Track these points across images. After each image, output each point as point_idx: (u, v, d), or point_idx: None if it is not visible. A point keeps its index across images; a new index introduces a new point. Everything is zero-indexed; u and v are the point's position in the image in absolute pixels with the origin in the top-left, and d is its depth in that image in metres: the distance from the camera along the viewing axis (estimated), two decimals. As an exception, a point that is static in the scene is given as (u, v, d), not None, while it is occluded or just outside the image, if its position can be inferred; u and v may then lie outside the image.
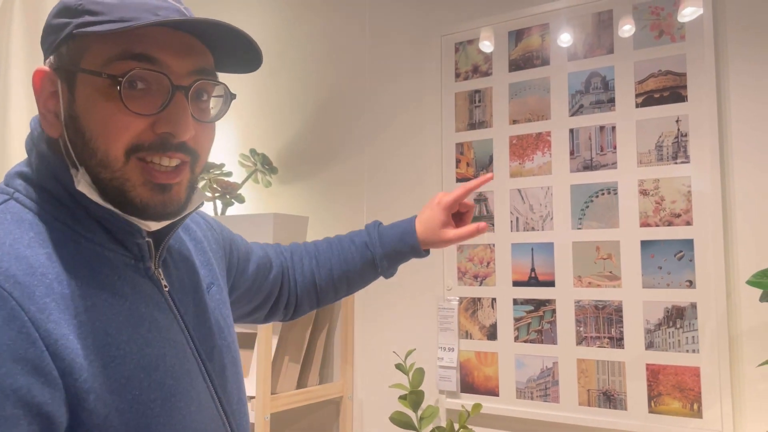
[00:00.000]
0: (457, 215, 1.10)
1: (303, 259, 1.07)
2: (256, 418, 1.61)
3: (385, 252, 1.05)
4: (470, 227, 1.04)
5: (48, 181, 0.65)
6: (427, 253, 1.07)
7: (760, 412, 1.37)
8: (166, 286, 0.72)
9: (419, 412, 1.62)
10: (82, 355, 0.58)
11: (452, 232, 1.04)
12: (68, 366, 0.56)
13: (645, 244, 1.50)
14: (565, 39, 1.64)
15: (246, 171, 2.02)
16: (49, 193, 0.65)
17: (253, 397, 1.67)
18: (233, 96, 0.71)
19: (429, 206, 1.07)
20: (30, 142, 0.69)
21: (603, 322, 1.53)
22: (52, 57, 0.66)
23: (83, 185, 0.63)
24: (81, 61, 0.63)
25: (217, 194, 1.95)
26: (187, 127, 0.64)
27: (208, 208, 2.08)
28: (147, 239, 0.69)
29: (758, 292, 1.34)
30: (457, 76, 1.78)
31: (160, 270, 0.72)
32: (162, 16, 0.63)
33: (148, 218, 0.66)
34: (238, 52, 0.69)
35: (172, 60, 0.64)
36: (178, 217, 0.69)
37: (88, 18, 0.62)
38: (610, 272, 1.53)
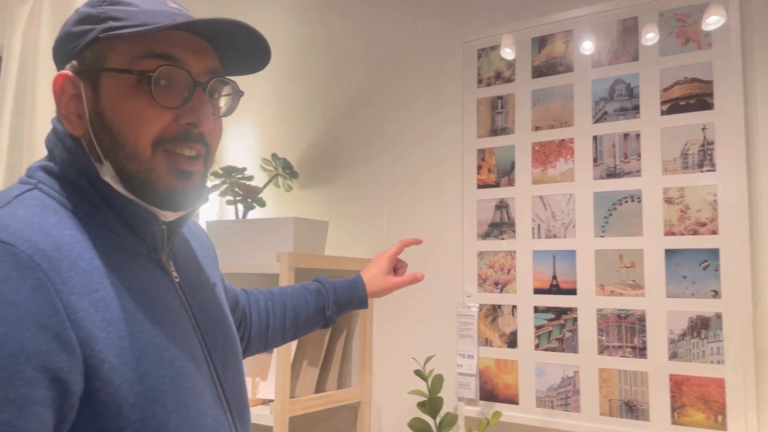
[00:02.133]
0: (395, 271, 1.25)
1: (259, 300, 1.13)
2: (275, 421, 1.61)
3: (336, 298, 1.15)
4: (410, 275, 1.21)
5: (72, 174, 0.70)
6: (368, 306, 1.20)
7: (787, 426, 1.35)
8: (176, 277, 0.77)
9: (438, 419, 1.61)
10: (99, 327, 0.62)
11: (394, 278, 1.20)
12: (86, 336, 0.60)
13: (669, 253, 1.48)
14: (589, 46, 1.63)
15: (267, 175, 2.03)
16: (72, 185, 0.70)
17: (272, 401, 1.67)
18: (241, 93, 0.79)
19: (373, 262, 1.22)
20: (54, 139, 0.73)
21: (625, 332, 1.52)
22: (74, 61, 0.71)
23: (108, 177, 0.69)
24: (105, 61, 0.69)
25: (238, 198, 1.96)
26: (208, 118, 0.71)
27: (230, 212, 2.10)
28: (162, 227, 0.74)
29: (786, 303, 1.32)
30: (480, 82, 1.78)
31: (170, 262, 0.78)
32: (180, 21, 0.69)
33: (167, 207, 0.72)
34: (247, 52, 0.76)
35: (191, 59, 0.71)
36: (193, 208, 0.75)
37: (112, 23, 0.68)
38: (633, 281, 1.52)
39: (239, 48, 0.75)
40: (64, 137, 0.72)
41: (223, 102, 0.78)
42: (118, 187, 0.69)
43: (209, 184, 1.97)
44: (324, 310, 1.14)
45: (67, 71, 0.71)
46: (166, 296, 0.73)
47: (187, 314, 0.76)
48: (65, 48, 0.72)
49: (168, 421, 0.65)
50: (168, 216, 0.74)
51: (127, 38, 0.68)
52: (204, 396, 0.72)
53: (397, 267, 1.24)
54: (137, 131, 0.68)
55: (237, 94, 0.78)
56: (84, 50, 0.70)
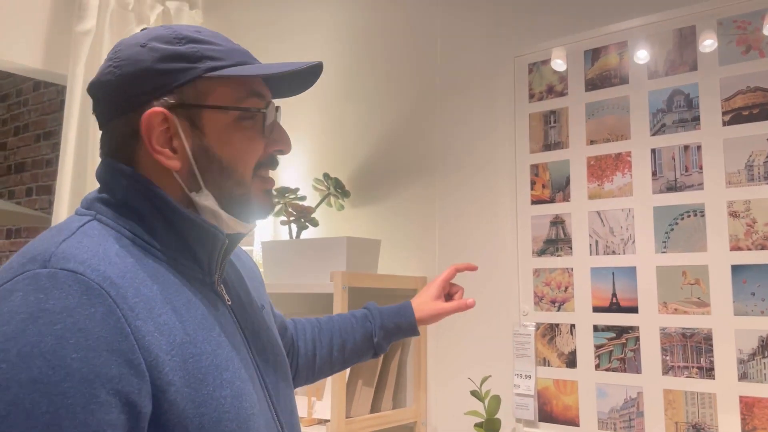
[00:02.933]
0: (449, 297, 1.22)
1: (306, 329, 1.13)
2: (331, 442, 1.61)
3: (383, 324, 1.14)
4: (459, 301, 1.18)
5: (136, 201, 0.73)
6: (418, 332, 1.17)
7: None
8: (228, 300, 0.80)
9: (496, 441, 1.58)
10: (165, 351, 0.64)
11: (444, 304, 1.18)
12: (154, 360, 0.63)
13: (736, 269, 1.42)
14: (644, 56, 1.59)
15: (319, 195, 2.05)
16: (133, 213, 0.73)
17: (328, 421, 1.67)
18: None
19: (424, 289, 1.21)
20: (111, 171, 0.75)
21: (691, 351, 1.46)
22: (167, 98, 0.73)
23: (207, 202, 0.75)
24: (208, 99, 0.75)
25: (292, 218, 1.98)
26: (290, 142, 0.82)
27: (284, 232, 2.12)
28: (225, 241, 0.78)
29: None
30: (531, 96, 1.76)
31: (222, 286, 0.81)
32: (259, 62, 0.79)
33: (258, 218, 0.81)
34: (299, 81, 0.84)
35: (268, 94, 0.81)
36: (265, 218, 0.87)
37: (212, 63, 0.74)
38: (698, 298, 1.46)
39: (294, 77, 0.82)
40: (118, 167, 0.74)
41: None
42: (216, 208, 0.76)
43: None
44: (371, 338, 1.13)
45: (159, 108, 0.72)
46: (222, 319, 0.75)
47: (241, 336, 0.78)
48: (145, 84, 0.72)
49: None
50: (250, 227, 0.81)
51: (229, 78, 0.75)
52: (261, 416, 0.74)
53: (452, 292, 1.22)
54: (244, 161, 0.77)
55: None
56: (182, 88, 0.73)
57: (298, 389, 1.86)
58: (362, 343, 1.13)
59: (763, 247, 1.40)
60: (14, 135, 4.31)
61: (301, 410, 1.79)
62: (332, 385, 1.64)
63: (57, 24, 2.11)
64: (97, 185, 0.77)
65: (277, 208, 2.00)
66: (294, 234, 1.99)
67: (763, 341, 1.38)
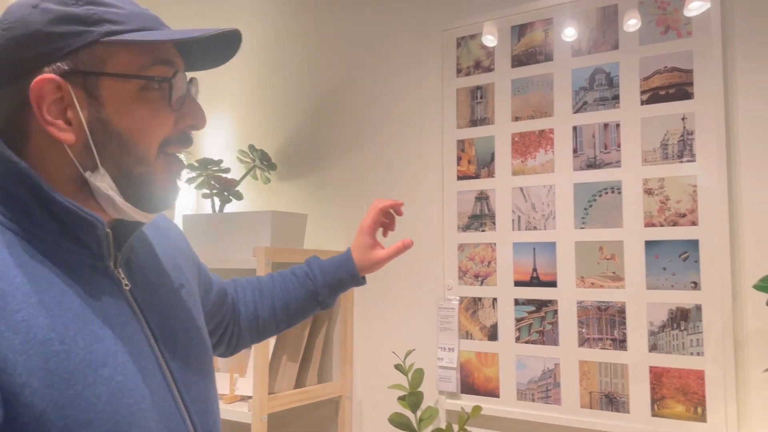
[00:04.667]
0: (384, 232, 1.17)
1: (246, 291, 1.10)
2: (253, 418, 1.59)
3: (325, 281, 1.10)
4: (397, 244, 1.12)
5: (10, 185, 0.67)
6: (364, 280, 1.13)
7: (766, 418, 1.35)
8: (126, 285, 0.74)
9: (418, 413, 1.60)
10: (18, 351, 0.58)
11: (381, 252, 1.11)
12: (2, 361, 0.57)
13: (649, 245, 1.47)
14: (569, 34, 1.60)
15: (244, 167, 1.99)
16: (8, 196, 0.67)
17: (250, 397, 1.65)
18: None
19: (355, 238, 1.14)
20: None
21: (606, 324, 1.51)
22: (61, 64, 0.66)
23: (101, 182, 0.68)
24: (106, 66, 0.67)
25: (214, 191, 1.92)
26: (204, 116, 0.75)
27: (207, 206, 2.06)
28: (107, 231, 0.71)
29: (765, 296, 1.31)
30: (459, 71, 1.75)
31: (120, 269, 0.74)
32: (169, 28, 0.71)
33: (157, 209, 0.73)
34: (218, 50, 0.76)
35: (180, 63, 0.73)
36: (168, 208, 0.76)
37: (111, 27, 0.67)
38: (614, 273, 1.50)
39: (212, 47, 0.75)
40: (3, 148, 0.67)
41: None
42: (110, 192, 0.69)
43: (185, 177, 1.93)
44: (315, 296, 1.10)
45: (50, 74, 0.65)
46: (111, 308, 0.69)
47: (138, 323, 0.72)
48: (35, 49, 0.66)
49: None
50: (150, 217, 0.74)
51: (132, 44, 0.68)
52: (153, 410, 0.68)
53: (385, 227, 1.16)
54: (148, 136, 0.69)
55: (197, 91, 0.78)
56: (76, 53, 0.66)
57: (219, 366, 1.83)
58: (306, 303, 1.10)
59: (674, 224, 1.45)
60: None
61: (224, 387, 1.76)
62: (255, 361, 1.61)
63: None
64: None
65: (199, 180, 1.93)
66: (217, 207, 1.94)
67: (672, 314, 1.43)
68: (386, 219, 1.15)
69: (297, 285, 1.10)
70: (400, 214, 1.15)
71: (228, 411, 1.65)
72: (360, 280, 1.12)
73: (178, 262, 0.87)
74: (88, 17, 0.66)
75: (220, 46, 0.75)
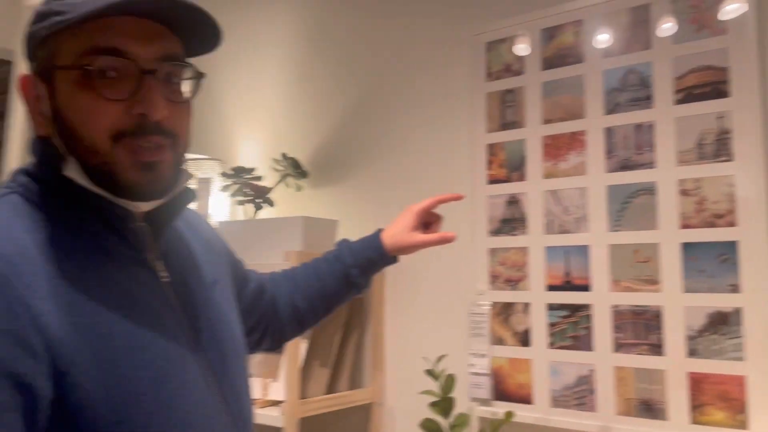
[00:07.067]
0: (427, 227, 1.16)
1: (281, 283, 1.10)
2: (286, 422, 1.60)
3: (355, 261, 1.09)
4: (438, 233, 1.10)
5: (47, 175, 0.70)
6: (395, 259, 1.11)
7: (813, 425, 1.29)
8: (164, 277, 0.75)
9: (450, 420, 1.58)
10: (67, 331, 0.60)
11: (420, 236, 1.10)
12: (50, 340, 0.59)
13: (686, 247, 1.43)
14: (600, 35, 1.59)
15: (277, 175, 2.02)
16: (48, 186, 0.70)
17: (282, 402, 1.66)
18: (203, 75, 0.75)
19: (400, 215, 1.12)
20: (32, 142, 0.74)
21: (642, 328, 1.47)
22: (33, 60, 0.71)
23: (72, 172, 0.68)
24: (54, 59, 0.68)
25: (248, 198, 1.95)
26: (158, 106, 0.68)
27: (240, 212, 2.09)
28: (140, 224, 0.73)
29: (809, 296, 1.27)
30: (489, 75, 1.75)
31: (159, 262, 0.76)
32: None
33: (138, 198, 0.70)
34: (200, 31, 0.72)
35: (139, 48, 0.68)
36: (168, 197, 0.73)
37: (56, 18, 0.66)
38: (650, 276, 1.47)
39: (195, 28, 0.72)
40: (36, 141, 0.72)
41: (185, 87, 0.74)
42: (84, 182, 0.69)
43: (206, 177, 1.96)
44: (346, 276, 1.09)
45: (26, 73, 0.72)
46: (150, 297, 0.71)
47: (175, 315, 0.74)
48: (27, 48, 0.72)
49: (149, 422, 0.64)
50: (142, 207, 0.72)
51: (72, 33, 0.66)
52: (193, 395, 0.70)
53: (430, 221, 1.15)
54: (91, 126, 0.67)
55: (198, 76, 0.75)
56: (38, 50, 0.70)
57: (253, 370, 1.84)
58: (339, 285, 1.09)
59: (712, 225, 1.41)
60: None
61: (257, 391, 1.77)
62: (287, 365, 1.62)
63: (3, -3, 2.04)
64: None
65: (234, 188, 1.96)
66: (250, 214, 1.96)
67: (711, 318, 1.39)
68: (432, 218, 1.15)
69: (328, 269, 1.09)
70: (461, 197, 1.14)
71: (260, 415, 1.66)
72: (389, 259, 1.10)
73: (211, 258, 0.88)
74: (45, 12, 0.68)
75: (203, 29, 0.72)
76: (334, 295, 1.09)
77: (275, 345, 1.11)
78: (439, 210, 1.79)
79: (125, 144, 0.68)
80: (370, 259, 1.09)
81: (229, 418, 0.76)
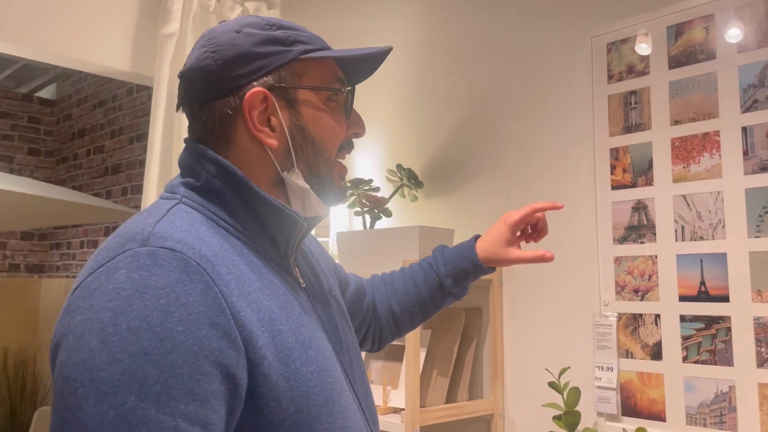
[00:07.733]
0: (529, 232, 1.12)
1: (380, 287, 1.12)
2: (406, 430, 1.61)
3: (448, 270, 1.08)
4: (536, 252, 1.04)
5: (219, 185, 0.75)
6: (492, 269, 1.09)
7: None
8: (302, 283, 0.82)
9: (575, 434, 1.53)
10: (256, 326, 0.66)
11: (516, 252, 1.06)
12: (248, 334, 0.65)
13: (841, 254, 1.30)
14: (733, 29, 1.49)
15: (393, 186, 2.05)
16: (217, 197, 0.75)
17: (402, 409, 1.67)
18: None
19: (495, 224, 1.09)
20: (195, 156, 0.77)
21: (790, 343, 1.35)
22: (267, 78, 0.77)
23: (297, 180, 0.78)
24: (301, 80, 0.79)
25: (365, 209, 1.99)
26: (365, 125, 0.85)
27: (358, 223, 2.14)
28: (304, 224, 0.79)
29: None
30: (610, 77, 1.69)
31: (296, 268, 0.82)
32: (367, 51, 0.82)
33: (338, 202, 0.84)
34: (366, 67, 0.87)
35: (354, 81, 0.85)
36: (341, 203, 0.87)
37: (304, 46, 0.78)
38: (798, 286, 1.35)
39: (364, 64, 0.85)
40: (205, 152, 0.76)
41: None
42: (308, 188, 0.79)
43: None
44: (440, 285, 1.08)
45: (260, 88, 0.76)
46: (299, 300, 0.77)
47: (317, 317, 0.80)
48: (246, 66, 0.76)
49: (319, 414, 0.69)
50: (325, 211, 0.83)
51: (319, 61, 0.80)
52: (345, 391, 0.76)
53: (533, 231, 1.11)
54: (333, 141, 0.81)
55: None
56: (278, 70, 0.77)
57: (373, 378, 1.87)
58: (434, 293, 1.09)
59: None
60: (111, 138, 4.58)
61: (377, 398, 1.80)
62: (406, 374, 1.64)
63: (143, 27, 2.22)
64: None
65: (351, 199, 2.02)
66: (368, 224, 2.01)
67: None
68: (533, 229, 1.11)
69: (423, 276, 1.10)
70: (559, 207, 1.07)
71: (381, 421, 1.68)
72: (484, 269, 1.08)
73: (322, 267, 0.95)
74: (286, 39, 0.78)
75: (371, 62, 0.85)
76: (430, 302, 1.10)
77: (375, 346, 1.14)
78: (564, 218, 1.75)
79: (339, 157, 0.82)
80: (463, 269, 1.08)
81: (362, 417, 0.80)
